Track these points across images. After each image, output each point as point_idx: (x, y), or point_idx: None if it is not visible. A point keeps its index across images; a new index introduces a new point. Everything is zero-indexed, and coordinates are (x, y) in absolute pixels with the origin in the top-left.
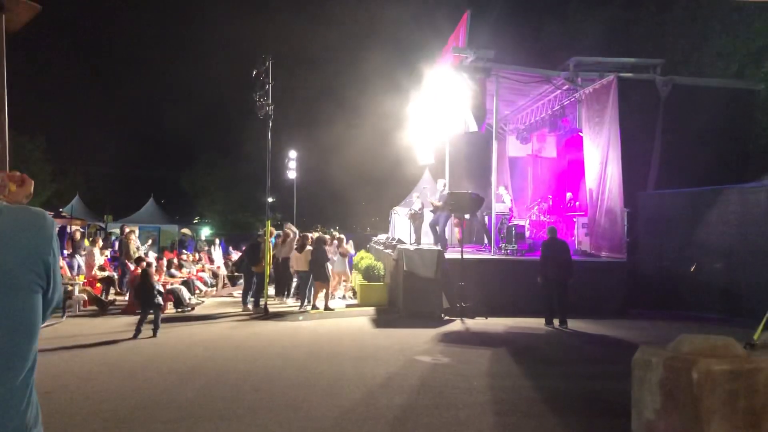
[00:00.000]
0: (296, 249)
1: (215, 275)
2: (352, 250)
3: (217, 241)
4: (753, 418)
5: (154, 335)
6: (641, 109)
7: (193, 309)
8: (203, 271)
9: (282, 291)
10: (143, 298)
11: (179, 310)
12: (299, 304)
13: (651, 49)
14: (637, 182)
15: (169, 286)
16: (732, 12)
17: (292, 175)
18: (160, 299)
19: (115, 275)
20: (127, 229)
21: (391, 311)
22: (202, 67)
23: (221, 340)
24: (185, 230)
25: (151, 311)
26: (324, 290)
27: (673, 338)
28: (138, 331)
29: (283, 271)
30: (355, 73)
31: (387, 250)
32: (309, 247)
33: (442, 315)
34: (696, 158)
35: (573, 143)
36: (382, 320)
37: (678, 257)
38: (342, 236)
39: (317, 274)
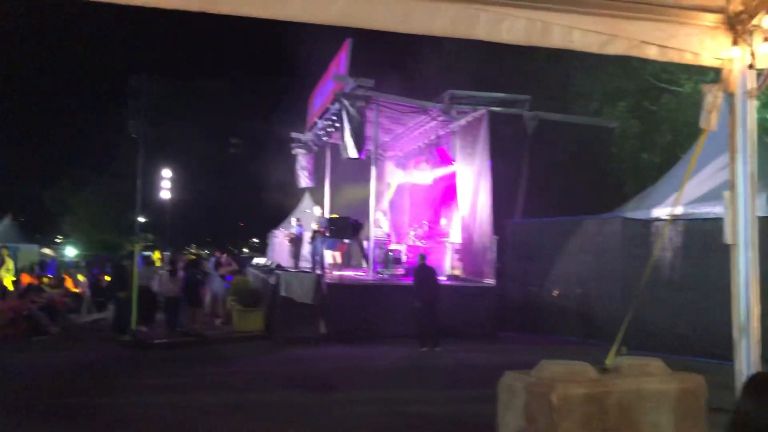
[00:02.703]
0: (168, 272)
1: (79, 299)
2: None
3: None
4: None
5: None
6: (510, 143)
7: (53, 336)
8: (66, 295)
9: (147, 318)
10: None
11: (37, 337)
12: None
13: (521, 84)
14: (506, 211)
15: (25, 312)
16: (591, 55)
17: (166, 195)
18: None
19: None
20: None
21: (268, 337)
22: (69, 79)
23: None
24: (46, 250)
25: None
26: (198, 316)
27: (537, 361)
28: None
29: (145, 297)
30: (236, 93)
31: (265, 275)
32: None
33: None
34: (559, 189)
35: (448, 172)
36: (255, 347)
37: (542, 283)
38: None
39: (191, 299)
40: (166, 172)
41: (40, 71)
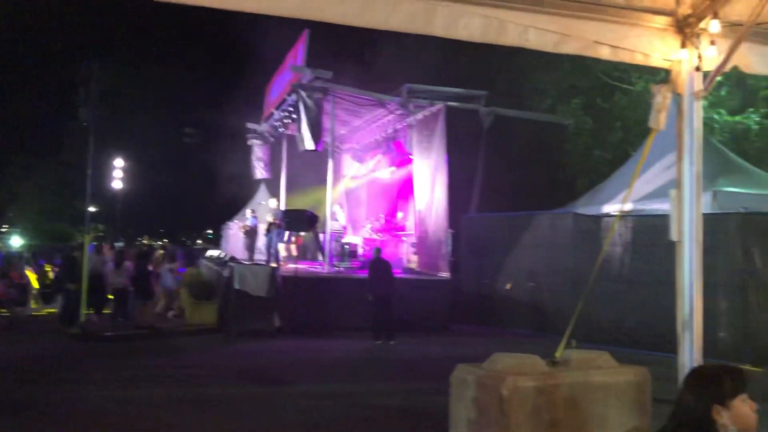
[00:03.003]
0: (114, 263)
1: (24, 291)
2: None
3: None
4: (554, 430)
5: None
6: (466, 137)
7: None
8: (11, 286)
9: (97, 310)
10: None
11: None
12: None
13: (477, 80)
14: (461, 205)
15: None
16: (546, 52)
17: (117, 184)
18: None
19: None
20: None
21: (221, 330)
22: (18, 64)
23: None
24: None
25: None
26: (148, 308)
27: (490, 354)
28: None
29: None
30: (192, 81)
31: (218, 267)
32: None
33: (274, 333)
34: (513, 184)
35: (405, 165)
36: (208, 340)
37: (496, 276)
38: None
39: (140, 291)
40: (118, 162)
41: None
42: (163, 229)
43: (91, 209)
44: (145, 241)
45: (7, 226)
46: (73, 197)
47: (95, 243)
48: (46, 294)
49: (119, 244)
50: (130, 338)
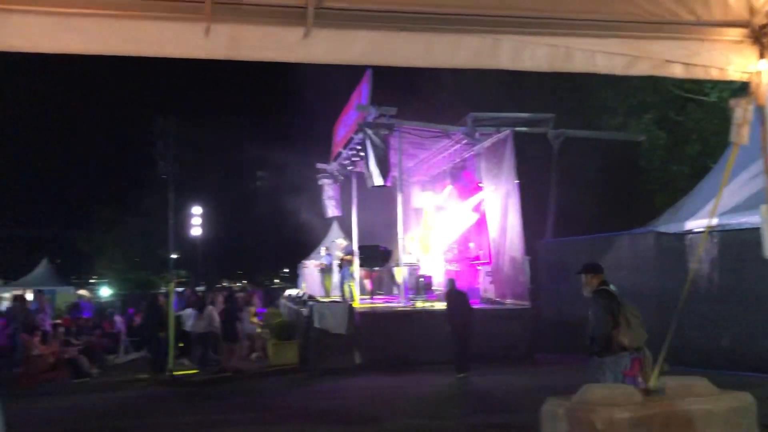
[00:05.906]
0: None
1: (116, 339)
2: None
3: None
4: None
5: None
6: (536, 162)
7: (94, 378)
8: (103, 336)
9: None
10: None
11: (78, 380)
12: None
13: (542, 103)
14: (536, 231)
15: (66, 356)
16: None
17: (196, 231)
18: None
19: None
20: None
21: (303, 370)
22: (99, 120)
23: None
24: (82, 291)
25: None
26: (235, 351)
27: (576, 383)
28: None
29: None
30: (261, 128)
31: (297, 306)
32: (210, 306)
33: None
34: (588, 206)
35: (475, 194)
36: (291, 380)
37: (577, 302)
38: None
39: (226, 335)
40: (196, 209)
41: (72, 117)
42: (241, 271)
43: (173, 256)
44: (225, 284)
45: (96, 277)
46: (156, 246)
47: (182, 290)
48: (134, 342)
49: (200, 289)
50: (215, 382)
